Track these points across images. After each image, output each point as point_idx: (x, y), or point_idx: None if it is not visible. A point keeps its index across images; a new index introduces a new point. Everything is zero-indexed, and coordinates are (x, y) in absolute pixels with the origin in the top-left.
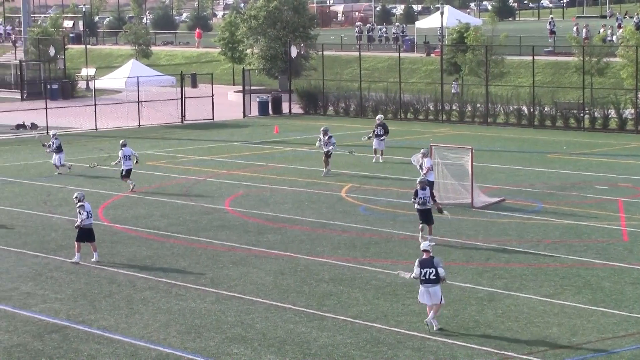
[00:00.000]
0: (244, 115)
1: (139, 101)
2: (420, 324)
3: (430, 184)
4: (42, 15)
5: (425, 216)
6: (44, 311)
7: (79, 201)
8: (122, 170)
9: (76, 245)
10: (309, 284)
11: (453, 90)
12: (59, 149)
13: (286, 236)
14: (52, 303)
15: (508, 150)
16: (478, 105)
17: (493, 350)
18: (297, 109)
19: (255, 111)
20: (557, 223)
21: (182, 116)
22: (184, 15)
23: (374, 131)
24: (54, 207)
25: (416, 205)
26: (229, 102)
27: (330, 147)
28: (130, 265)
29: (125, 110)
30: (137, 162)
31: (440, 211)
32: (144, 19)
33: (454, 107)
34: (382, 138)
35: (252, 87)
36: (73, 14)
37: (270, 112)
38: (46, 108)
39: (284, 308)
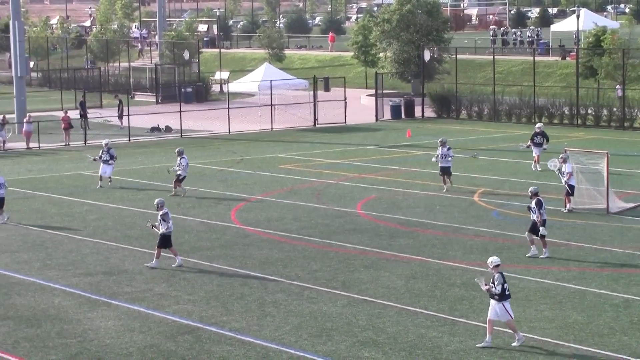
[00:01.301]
0: (377, 119)
1: (271, 104)
2: (554, 329)
3: (571, 188)
4: (177, 20)
5: (532, 227)
6: (177, 312)
7: (161, 208)
8: (180, 175)
9: (157, 251)
10: (440, 288)
11: (618, 94)
12: (111, 159)
13: (418, 240)
14: (185, 304)
15: None
16: (614, 109)
17: (629, 357)
18: (429, 112)
19: (387, 115)
20: None
21: (315, 119)
22: (317, 19)
23: (533, 139)
24: (187, 209)
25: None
26: (361, 106)
27: (449, 160)
28: (262, 268)
29: (258, 113)
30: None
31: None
32: (278, 22)
33: (591, 112)
34: (543, 147)
35: (384, 91)
36: (207, 18)
37: (403, 115)
38: (180, 111)
39: (415, 312)
